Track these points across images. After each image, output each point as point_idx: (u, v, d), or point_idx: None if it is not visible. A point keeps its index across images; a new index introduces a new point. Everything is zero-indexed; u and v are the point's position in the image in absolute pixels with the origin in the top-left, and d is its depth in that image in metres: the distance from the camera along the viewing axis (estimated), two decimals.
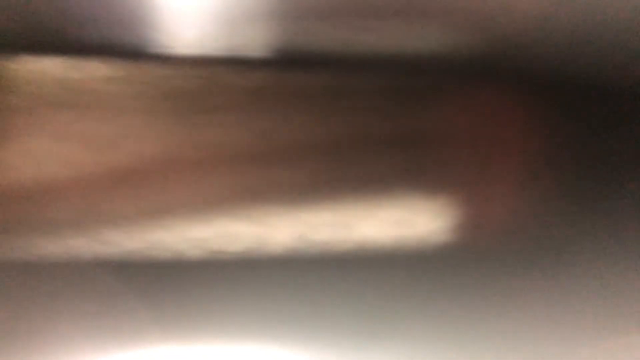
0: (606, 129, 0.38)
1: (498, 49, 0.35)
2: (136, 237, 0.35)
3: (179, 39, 0.34)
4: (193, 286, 0.35)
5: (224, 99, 0.35)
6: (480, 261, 0.37)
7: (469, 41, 0.35)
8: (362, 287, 0.37)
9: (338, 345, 0.36)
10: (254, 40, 0.34)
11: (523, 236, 0.38)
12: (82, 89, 0.34)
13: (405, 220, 0.37)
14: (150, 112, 0.34)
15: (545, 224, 0.38)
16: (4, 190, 0.33)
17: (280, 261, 0.36)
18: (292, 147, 0.36)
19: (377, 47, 0.36)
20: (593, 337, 0.37)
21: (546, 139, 0.38)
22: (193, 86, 0.35)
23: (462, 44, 0.35)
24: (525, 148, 0.38)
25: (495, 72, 0.37)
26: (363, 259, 0.37)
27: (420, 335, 0.37)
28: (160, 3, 0.30)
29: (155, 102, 0.35)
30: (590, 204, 0.38)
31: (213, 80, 0.35)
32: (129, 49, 0.34)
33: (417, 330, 0.37)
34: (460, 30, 0.34)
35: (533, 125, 0.38)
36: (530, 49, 0.35)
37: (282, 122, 0.36)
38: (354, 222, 0.36)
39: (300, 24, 0.34)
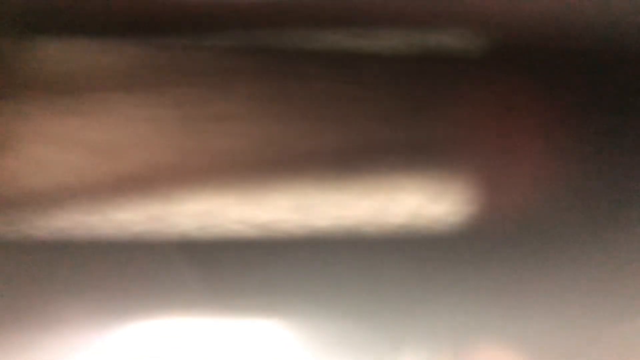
0: (626, 118, 0.38)
1: (507, 46, 0.36)
2: (141, 243, 0.35)
3: None
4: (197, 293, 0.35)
5: (231, 107, 0.35)
6: (494, 252, 0.37)
7: (479, 42, 0.35)
8: (370, 294, 0.37)
9: (351, 336, 0.36)
10: (256, 40, 0.35)
11: (538, 225, 0.37)
12: (88, 96, 0.34)
13: (413, 224, 0.37)
14: (156, 120, 0.34)
15: (558, 215, 0.38)
16: (9, 198, 0.33)
17: (286, 269, 0.36)
18: (298, 153, 0.36)
19: (385, 51, 0.36)
20: (611, 322, 0.37)
21: (561, 132, 0.38)
22: (199, 93, 0.35)
23: (472, 45, 0.35)
24: (539, 141, 0.38)
25: (505, 70, 0.38)
26: (371, 264, 0.37)
27: (433, 323, 0.36)
28: None
29: (161, 110, 0.35)
30: (609, 191, 0.38)
31: (219, 88, 0.35)
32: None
33: (429, 319, 0.36)
34: (469, 31, 0.34)
35: (547, 118, 0.38)
36: (540, 44, 0.35)
37: (288, 128, 0.36)
38: (361, 227, 0.36)
39: (305, 28, 0.34)
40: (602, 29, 0.34)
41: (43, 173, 0.34)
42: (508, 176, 0.37)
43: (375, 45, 0.35)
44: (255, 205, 0.35)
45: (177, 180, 0.35)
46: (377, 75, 0.37)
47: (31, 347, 0.33)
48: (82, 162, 0.34)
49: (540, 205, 0.37)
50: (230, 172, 0.35)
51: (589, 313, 0.37)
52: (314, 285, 0.36)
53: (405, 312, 0.36)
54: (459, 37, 0.35)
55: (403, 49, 0.35)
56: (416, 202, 0.37)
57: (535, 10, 0.32)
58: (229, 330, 0.35)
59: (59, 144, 0.34)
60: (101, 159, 0.34)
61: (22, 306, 0.34)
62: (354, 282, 0.37)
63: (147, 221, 0.34)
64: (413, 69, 0.37)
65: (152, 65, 0.35)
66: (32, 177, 0.33)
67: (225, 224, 0.35)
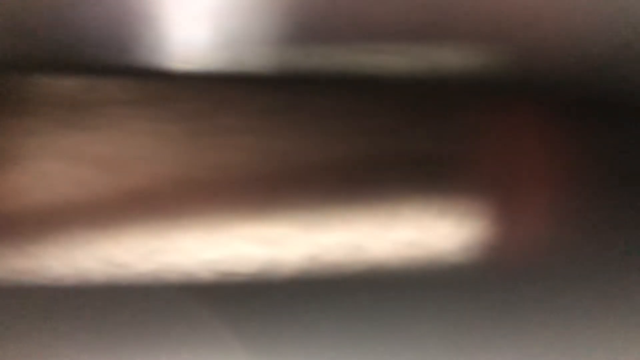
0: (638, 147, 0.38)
1: (518, 67, 0.35)
2: (147, 258, 0.35)
3: (187, 56, 0.34)
4: (204, 308, 0.35)
5: (236, 121, 0.35)
6: (494, 282, 0.37)
7: (487, 60, 0.35)
8: (374, 309, 0.37)
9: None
10: (261, 58, 0.34)
11: (542, 256, 0.37)
12: (95, 111, 0.34)
13: (418, 241, 0.37)
14: (162, 134, 0.34)
15: (566, 246, 0.37)
16: (16, 212, 0.33)
17: (291, 282, 0.36)
18: (303, 168, 0.36)
19: (390, 67, 0.36)
20: None
21: (570, 158, 0.38)
22: (205, 108, 0.35)
23: (479, 63, 0.35)
24: (546, 165, 0.38)
25: (513, 90, 0.37)
26: (375, 280, 0.37)
27: (433, 358, 0.36)
28: (168, 21, 0.30)
29: (167, 124, 0.35)
30: (622, 222, 0.38)
31: (225, 102, 0.35)
32: (140, 67, 0.34)
33: (430, 353, 0.36)
34: (477, 49, 0.34)
35: (553, 143, 0.38)
36: (551, 67, 0.35)
37: (293, 143, 0.36)
38: (366, 243, 0.36)
39: (310, 45, 0.34)
40: (620, 54, 0.34)
41: (50, 188, 0.34)
42: (515, 195, 0.37)
43: (384, 61, 0.35)
44: (261, 221, 0.35)
45: (184, 193, 0.35)
46: (385, 91, 0.36)
47: None
48: (89, 176, 0.34)
49: (546, 236, 0.37)
50: (237, 186, 0.35)
51: (600, 355, 0.37)
52: (318, 301, 0.36)
53: (401, 348, 0.36)
54: (470, 54, 0.34)
55: (412, 65, 0.35)
56: (422, 219, 0.36)
57: (551, 32, 0.31)
58: None
59: (66, 159, 0.34)
60: (108, 173, 0.34)
61: (22, 348, 0.34)
62: (359, 300, 0.37)
63: (153, 238, 0.34)
64: (422, 86, 0.36)
65: (159, 80, 0.35)
66: (40, 192, 0.33)
67: (231, 240, 0.35)
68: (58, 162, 0.34)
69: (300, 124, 0.36)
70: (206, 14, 0.30)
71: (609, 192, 0.38)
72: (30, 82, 0.34)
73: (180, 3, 0.29)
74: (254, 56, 0.34)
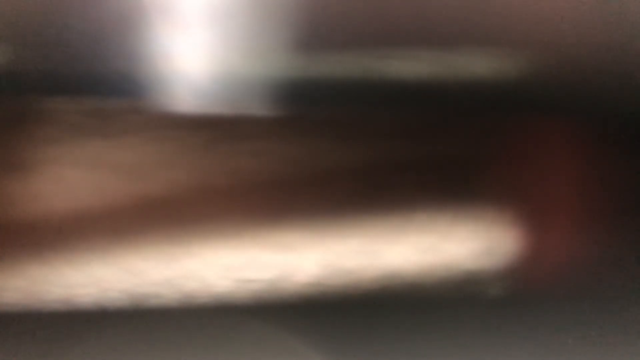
0: None
1: (538, 77, 0.35)
2: (164, 265, 0.35)
3: (202, 65, 0.34)
4: (220, 314, 0.35)
5: (253, 127, 0.35)
6: (510, 288, 0.37)
7: (505, 67, 0.34)
8: (389, 315, 0.37)
9: None
10: (277, 64, 0.35)
11: (557, 262, 0.37)
12: (114, 118, 0.34)
13: (433, 247, 0.37)
14: (180, 141, 0.34)
15: (582, 254, 0.37)
16: (34, 219, 0.33)
17: (307, 288, 0.36)
18: (319, 175, 0.36)
19: (406, 73, 0.36)
20: None
21: (587, 168, 0.37)
22: (222, 115, 0.35)
23: (496, 70, 0.35)
24: (563, 174, 0.38)
25: (531, 99, 0.37)
26: (390, 286, 0.37)
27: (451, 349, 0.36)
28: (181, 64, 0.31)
29: (185, 131, 0.35)
30: None
31: (241, 109, 0.35)
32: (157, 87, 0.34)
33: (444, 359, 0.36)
34: (494, 56, 0.34)
35: (570, 152, 0.38)
36: (575, 79, 0.35)
37: (309, 149, 0.36)
38: (381, 249, 0.36)
39: (326, 51, 0.34)
40: None
41: (68, 195, 0.34)
42: (531, 202, 0.37)
43: (399, 67, 0.35)
44: (277, 227, 0.35)
45: (200, 200, 0.35)
46: (400, 97, 0.36)
47: None
48: (107, 183, 0.34)
49: (565, 240, 0.37)
50: (253, 193, 0.35)
51: None
52: (333, 306, 0.36)
53: (417, 355, 0.36)
54: (487, 61, 0.34)
55: (428, 71, 0.35)
56: (438, 225, 0.36)
57: (570, 39, 0.31)
58: None
59: (84, 166, 0.34)
60: (126, 180, 0.34)
61: None
62: (374, 306, 0.37)
63: (170, 244, 0.34)
64: (438, 92, 0.36)
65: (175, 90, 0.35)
66: (58, 198, 0.33)
67: (247, 247, 0.35)
68: (76, 169, 0.34)
69: (315, 130, 0.36)
70: (222, 21, 0.30)
71: (623, 209, 0.38)
72: (49, 100, 0.34)
73: (195, 14, 0.29)
74: (271, 62, 0.34)
